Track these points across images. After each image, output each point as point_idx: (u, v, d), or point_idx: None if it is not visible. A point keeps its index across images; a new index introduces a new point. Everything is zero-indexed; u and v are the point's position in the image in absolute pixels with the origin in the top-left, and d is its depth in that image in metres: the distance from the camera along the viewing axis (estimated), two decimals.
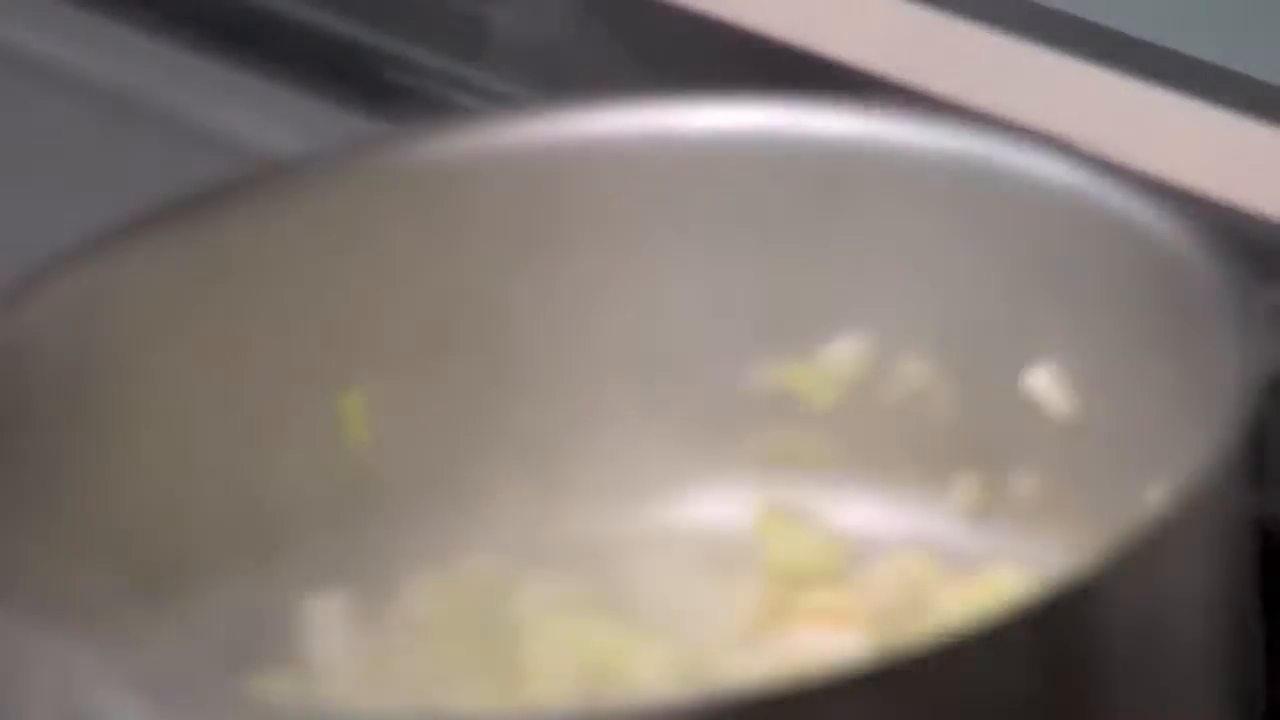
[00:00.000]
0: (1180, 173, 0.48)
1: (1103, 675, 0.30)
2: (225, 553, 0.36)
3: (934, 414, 0.37)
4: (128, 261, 0.34)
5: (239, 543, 0.35)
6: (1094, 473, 0.35)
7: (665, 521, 0.41)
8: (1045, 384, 0.35)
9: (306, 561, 0.36)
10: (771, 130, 0.37)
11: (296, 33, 0.56)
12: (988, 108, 0.52)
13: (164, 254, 0.34)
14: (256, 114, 0.51)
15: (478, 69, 0.53)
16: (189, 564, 0.36)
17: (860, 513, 0.37)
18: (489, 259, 0.37)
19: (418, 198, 0.36)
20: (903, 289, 0.36)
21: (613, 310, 0.37)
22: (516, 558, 0.37)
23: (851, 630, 0.37)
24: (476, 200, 0.36)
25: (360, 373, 0.36)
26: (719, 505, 0.38)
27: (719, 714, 0.24)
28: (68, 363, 0.34)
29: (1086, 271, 0.35)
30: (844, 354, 0.37)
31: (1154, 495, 0.32)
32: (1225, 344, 0.32)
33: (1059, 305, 0.35)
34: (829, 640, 0.37)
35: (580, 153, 0.37)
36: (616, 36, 0.54)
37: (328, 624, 0.37)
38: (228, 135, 0.50)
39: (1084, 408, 0.35)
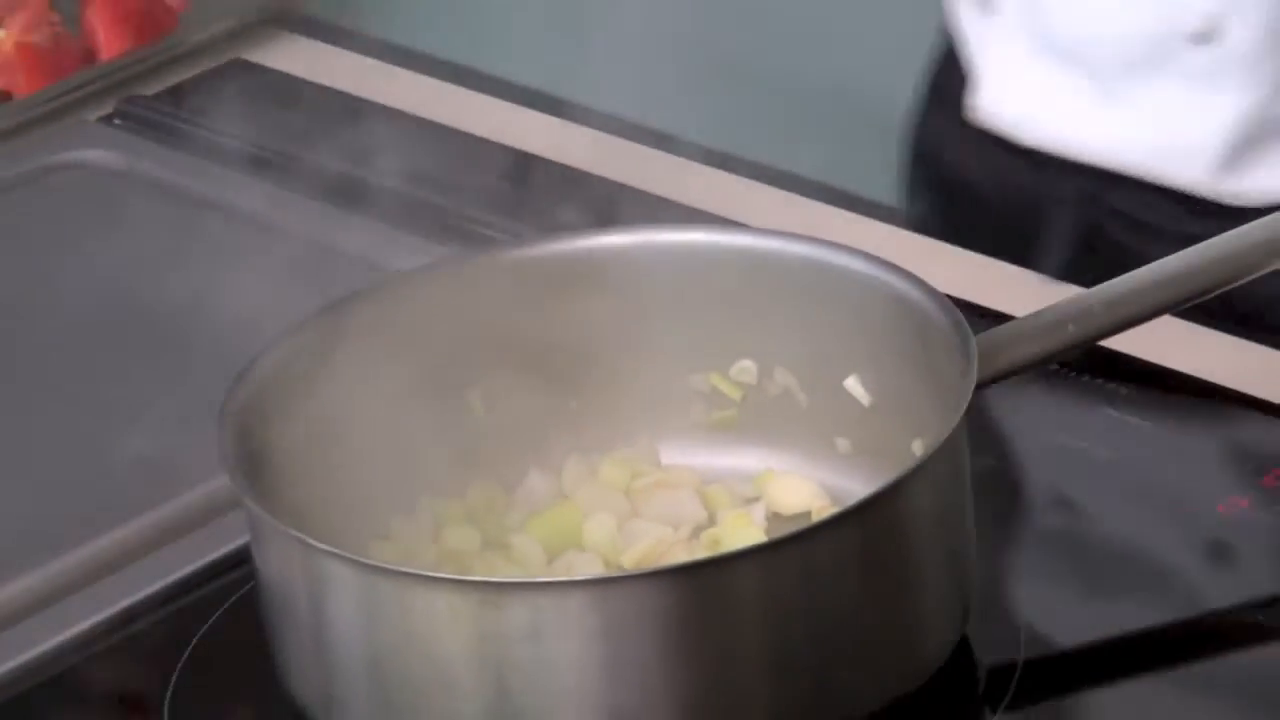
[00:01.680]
0: None
1: (897, 546, 0.44)
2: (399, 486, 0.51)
3: (795, 404, 0.52)
4: (350, 320, 0.49)
5: (407, 481, 0.51)
6: (883, 437, 0.50)
7: (646, 459, 0.54)
8: (856, 386, 0.50)
9: (447, 484, 0.52)
10: (709, 244, 0.54)
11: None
12: None
13: (371, 316, 0.50)
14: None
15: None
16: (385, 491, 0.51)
17: (756, 459, 0.53)
18: (556, 319, 0.52)
19: (515, 284, 0.53)
20: (777, 334, 0.52)
21: (622, 349, 0.53)
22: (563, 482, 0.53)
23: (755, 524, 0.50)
24: (552, 286, 0.52)
25: (481, 377, 0.52)
26: (674, 452, 0.54)
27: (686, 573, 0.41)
28: (325, 388, 0.49)
29: (878, 323, 0.49)
30: (745, 369, 0.53)
31: (917, 448, 0.46)
32: (955, 365, 0.45)
33: (863, 342, 0.50)
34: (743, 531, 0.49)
35: (615, 257, 0.53)
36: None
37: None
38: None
39: (877, 400, 0.50)
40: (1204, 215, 0.63)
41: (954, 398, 0.45)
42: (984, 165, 0.72)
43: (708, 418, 0.54)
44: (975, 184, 0.73)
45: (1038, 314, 0.51)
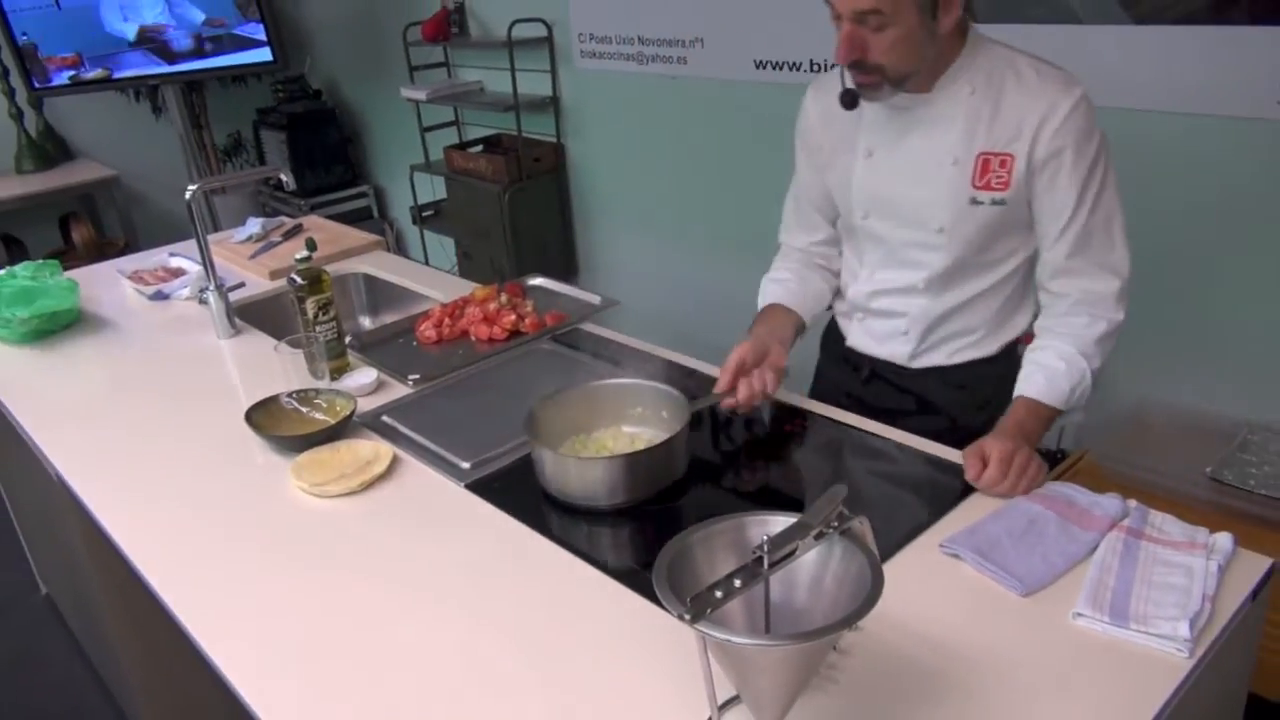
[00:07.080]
0: None
1: (673, 448, 1.44)
2: (563, 435, 1.53)
3: (650, 417, 1.56)
4: (556, 398, 1.53)
5: (564, 434, 1.53)
6: (669, 425, 1.51)
7: (619, 431, 1.55)
8: (662, 413, 1.52)
9: (573, 434, 1.55)
10: (629, 385, 1.57)
11: None
12: None
13: (562, 397, 1.54)
14: None
15: None
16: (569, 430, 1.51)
17: (642, 430, 1.57)
18: (585, 403, 1.55)
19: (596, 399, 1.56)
20: (644, 405, 1.57)
21: (615, 411, 1.57)
22: (604, 437, 1.53)
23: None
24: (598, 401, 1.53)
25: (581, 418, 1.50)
26: (627, 430, 1.56)
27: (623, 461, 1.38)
28: (551, 412, 1.52)
29: (666, 400, 1.55)
30: (639, 410, 1.55)
31: (676, 429, 1.45)
32: (682, 409, 1.50)
33: (666, 404, 1.55)
34: (641, 447, 1.45)
35: (615, 390, 1.57)
36: None
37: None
38: None
39: (668, 418, 1.53)
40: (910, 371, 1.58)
41: (683, 416, 1.44)
42: (838, 356, 1.69)
43: (631, 420, 1.54)
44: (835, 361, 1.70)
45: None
